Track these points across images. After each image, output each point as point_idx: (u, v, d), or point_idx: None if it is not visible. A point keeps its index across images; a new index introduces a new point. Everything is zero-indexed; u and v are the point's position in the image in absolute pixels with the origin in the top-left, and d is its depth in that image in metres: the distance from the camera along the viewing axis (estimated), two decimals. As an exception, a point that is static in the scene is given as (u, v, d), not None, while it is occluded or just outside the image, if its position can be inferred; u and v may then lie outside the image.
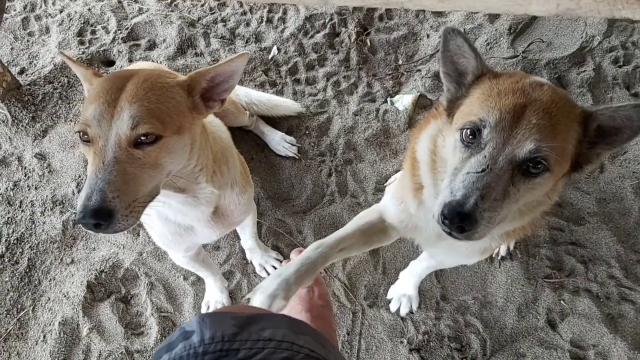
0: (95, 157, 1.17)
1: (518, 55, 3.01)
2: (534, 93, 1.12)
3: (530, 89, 1.13)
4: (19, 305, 2.39)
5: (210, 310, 2.29)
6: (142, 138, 1.18)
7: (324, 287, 1.57)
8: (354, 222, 1.69)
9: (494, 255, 2.47)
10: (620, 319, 2.33)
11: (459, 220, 1.03)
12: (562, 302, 2.37)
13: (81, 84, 2.90)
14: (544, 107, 1.09)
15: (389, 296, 2.40)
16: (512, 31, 3.09)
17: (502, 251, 2.46)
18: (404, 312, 2.35)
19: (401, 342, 2.31)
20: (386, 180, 2.67)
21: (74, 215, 2.57)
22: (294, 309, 1.52)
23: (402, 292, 2.35)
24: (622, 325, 2.31)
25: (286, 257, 2.50)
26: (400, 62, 3.09)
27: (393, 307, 2.37)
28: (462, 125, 1.15)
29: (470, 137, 1.12)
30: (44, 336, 2.32)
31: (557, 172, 1.12)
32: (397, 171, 2.68)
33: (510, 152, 1.07)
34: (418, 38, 3.14)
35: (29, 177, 2.70)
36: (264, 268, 2.44)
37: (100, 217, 1.11)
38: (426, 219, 1.48)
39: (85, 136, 1.21)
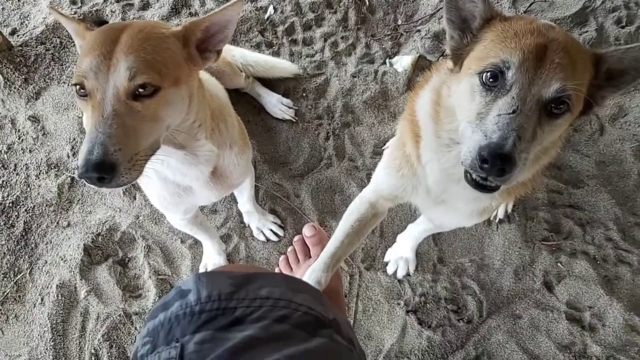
0: (93, 110, 1.15)
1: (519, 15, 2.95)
2: (550, 33, 1.10)
3: (545, 29, 1.12)
4: (16, 269, 2.39)
5: (208, 273, 2.30)
6: (140, 90, 1.16)
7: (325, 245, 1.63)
8: (342, 228, 1.71)
9: (491, 218, 2.47)
10: (616, 281, 2.35)
11: (501, 162, 1.00)
12: (559, 264, 2.38)
13: (74, 45, 2.85)
14: (562, 46, 1.07)
15: (386, 259, 2.41)
16: (513, -10, 3.03)
17: (500, 214, 2.46)
18: (401, 274, 2.36)
19: (398, 304, 2.32)
20: (384, 144, 2.64)
21: (69, 178, 2.55)
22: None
23: (400, 255, 2.35)
24: (619, 287, 2.33)
25: (283, 220, 2.50)
26: (399, 22, 3.03)
27: (390, 270, 2.38)
28: (481, 68, 1.12)
29: (491, 80, 1.10)
30: (42, 299, 2.32)
31: (575, 113, 1.12)
32: (395, 134, 2.65)
33: (537, 92, 1.05)
34: (417, -3, 3.08)
35: (23, 140, 2.67)
36: (262, 231, 2.44)
37: (103, 170, 1.09)
38: (425, 177, 1.47)
39: (82, 90, 1.19)
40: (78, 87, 1.19)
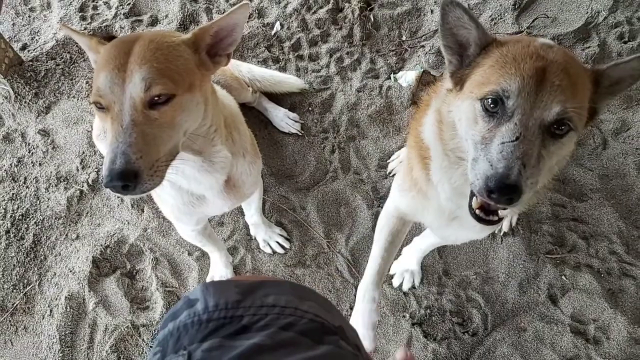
0: (113, 122, 1.19)
1: (523, 31, 2.99)
2: (549, 55, 1.12)
3: (543, 51, 1.13)
4: (25, 280, 2.42)
5: (215, 285, 2.31)
6: (156, 98, 1.20)
7: None
8: (379, 244, 1.80)
9: (496, 232, 2.49)
10: (620, 294, 2.35)
11: (508, 192, 1.03)
12: (563, 277, 2.39)
13: (84, 60, 2.90)
14: (561, 67, 1.10)
15: (391, 271, 2.42)
16: (516, 6, 3.06)
17: (505, 227, 2.47)
18: (406, 287, 2.37)
19: (403, 316, 2.33)
20: (389, 157, 2.67)
21: (78, 191, 2.58)
22: None
23: (405, 268, 2.37)
24: (623, 301, 2.34)
25: (289, 233, 2.52)
26: (403, 38, 3.07)
27: (396, 282, 2.39)
28: (483, 95, 1.14)
29: (492, 105, 1.12)
30: (51, 310, 2.35)
31: (579, 130, 1.14)
32: (399, 148, 2.68)
33: (539, 116, 1.08)
34: (422, 13, 3.12)
35: (33, 153, 2.70)
36: (268, 244, 2.46)
37: (127, 178, 1.14)
38: (438, 197, 1.49)
39: (99, 104, 1.23)
40: (96, 102, 1.23)
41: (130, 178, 1.14)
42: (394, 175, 2.58)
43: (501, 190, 1.03)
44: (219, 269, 2.36)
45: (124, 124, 1.17)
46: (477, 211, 1.18)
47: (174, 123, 1.25)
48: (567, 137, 1.12)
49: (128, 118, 1.17)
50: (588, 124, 1.20)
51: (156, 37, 1.28)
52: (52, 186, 2.62)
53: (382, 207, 1.91)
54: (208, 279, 2.39)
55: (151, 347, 2.09)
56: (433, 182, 1.45)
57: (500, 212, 1.18)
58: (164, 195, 1.67)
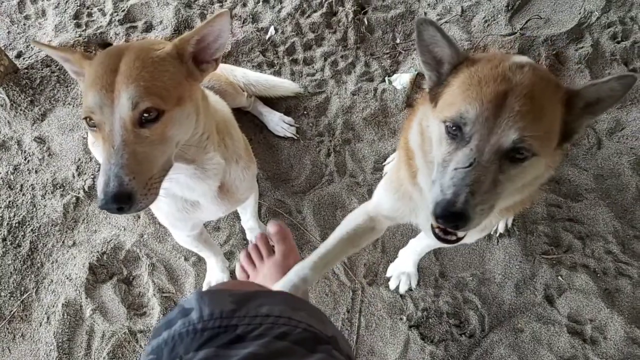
0: (104, 142, 1.20)
1: (516, 32, 3.00)
2: (515, 77, 1.10)
3: (511, 72, 1.11)
4: (22, 288, 2.42)
5: (212, 290, 2.31)
6: (145, 115, 1.20)
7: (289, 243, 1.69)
8: (338, 234, 1.73)
9: (492, 233, 2.49)
10: (617, 293, 2.36)
11: (452, 219, 1.04)
12: (559, 277, 2.39)
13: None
14: (525, 91, 1.07)
15: (388, 274, 2.43)
16: (509, 8, 3.07)
17: (500, 228, 2.48)
18: (403, 289, 2.37)
19: (400, 319, 2.33)
20: (384, 160, 2.67)
21: (74, 198, 2.59)
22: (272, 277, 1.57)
23: (401, 270, 2.37)
24: (619, 300, 2.34)
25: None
26: (397, 40, 3.08)
27: (392, 285, 2.40)
28: (444, 118, 1.14)
29: (454, 128, 1.12)
30: (48, 317, 2.35)
31: (545, 154, 1.12)
32: (395, 150, 2.68)
33: (496, 143, 1.06)
34: (415, 16, 3.12)
35: (29, 160, 2.71)
36: (264, 248, 2.46)
37: (121, 200, 1.15)
38: (424, 201, 1.50)
39: (92, 121, 1.23)
40: (88, 119, 1.23)
41: (125, 200, 1.15)
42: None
43: (446, 217, 1.04)
44: (216, 274, 2.36)
45: (115, 144, 1.17)
46: (437, 230, 1.20)
47: (165, 138, 1.25)
48: (529, 162, 1.10)
49: (119, 139, 1.17)
50: (564, 143, 1.19)
51: (141, 52, 1.27)
52: (49, 193, 2.62)
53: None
54: (205, 284, 2.39)
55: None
56: (419, 184, 1.46)
57: (459, 233, 1.19)
58: (158, 202, 1.68)
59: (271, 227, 1.71)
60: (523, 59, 1.19)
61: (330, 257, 1.65)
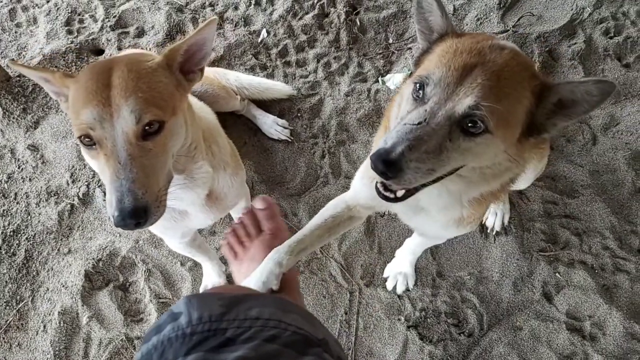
0: (107, 159, 1.18)
1: (508, 30, 3.00)
2: (490, 55, 1.11)
3: (488, 50, 1.12)
4: (18, 297, 2.40)
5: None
6: (147, 128, 1.19)
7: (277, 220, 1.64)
8: (316, 220, 1.71)
9: (488, 231, 2.49)
10: (615, 289, 2.35)
11: (383, 166, 1.04)
12: (557, 274, 2.39)
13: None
14: (494, 69, 1.08)
15: (385, 275, 2.42)
16: (501, 5, 3.07)
17: (497, 226, 2.47)
18: (400, 289, 2.37)
19: (398, 319, 2.33)
20: (379, 160, 2.66)
21: (69, 205, 2.57)
22: (260, 257, 1.53)
23: (398, 270, 2.36)
24: (617, 296, 2.34)
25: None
26: (390, 40, 3.07)
27: (389, 286, 2.39)
28: (414, 78, 1.15)
29: (420, 91, 1.13)
30: (44, 326, 2.33)
31: (500, 135, 1.10)
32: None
33: (451, 109, 1.07)
34: (408, 16, 3.12)
35: (22, 169, 2.70)
36: (260, 251, 2.45)
37: (138, 215, 1.15)
38: None
39: (87, 139, 1.20)
40: (83, 137, 1.20)
41: (141, 214, 1.16)
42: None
43: (377, 163, 1.04)
44: (212, 279, 2.35)
45: (121, 160, 1.16)
46: (379, 184, 1.20)
47: (166, 149, 1.25)
48: (482, 138, 1.09)
49: (124, 153, 1.16)
50: (529, 137, 1.17)
51: (133, 64, 1.25)
52: (43, 201, 2.61)
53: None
54: (201, 289, 2.38)
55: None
56: None
57: (397, 193, 1.18)
58: None
59: (258, 203, 1.62)
60: (508, 44, 1.18)
61: (307, 242, 1.63)
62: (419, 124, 1.07)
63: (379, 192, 1.20)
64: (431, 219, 1.53)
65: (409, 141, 1.04)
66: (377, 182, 1.21)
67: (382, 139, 1.09)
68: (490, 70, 1.08)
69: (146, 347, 0.79)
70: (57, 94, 1.37)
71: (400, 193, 1.18)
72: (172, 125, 1.26)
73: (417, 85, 1.13)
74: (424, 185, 1.15)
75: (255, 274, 1.48)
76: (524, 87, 1.11)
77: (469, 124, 1.07)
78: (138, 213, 1.15)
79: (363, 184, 1.64)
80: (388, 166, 1.03)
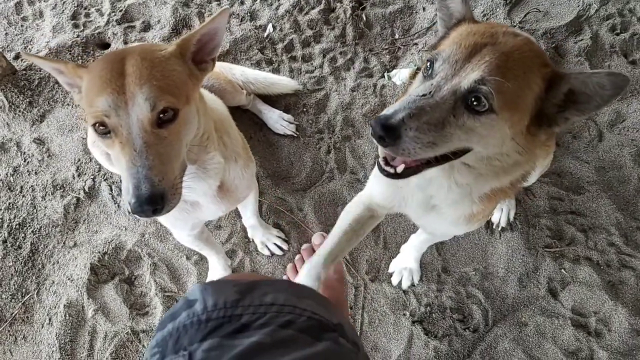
0: (123, 147, 1.18)
1: (515, 26, 2.99)
2: (502, 38, 1.11)
3: (501, 35, 1.12)
4: (24, 290, 2.41)
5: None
6: (161, 116, 1.19)
7: (340, 264, 1.61)
8: (340, 226, 1.71)
9: (494, 227, 2.49)
10: (620, 285, 2.35)
11: (381, 130, 1.04)
12: (562, 270, 2.39)
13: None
14: (504, 50, 1.08)
15: (390, 270, 2.42)
16: (508, 1, 3.07)
17: (503, 222, 2.47)
18: (405, 285, 2.37)
19: (404, 314, 2.33)
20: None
21: (75, 198, 2.58)
22: None
23: (404, 266, 2.36)
24: (623, 292, 2.33)
25: (287, 234, 2.51)
26: (396, 36, 3.07)
27: (395, 281, 2.39)
28: (427, 57, 1.17)
29: (429, 65, 1.15)
30: (50, 319, 2.34)
31: (506, 118, 1.09)
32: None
33: (457, 84, 1.07)
34: (414, 11, 3.12)
35: (28, 162, 2.70)
36: (266, 246, 2.46)
37: (156, 202, 1.16)
38: (410, 187, 1.49)
39: (102, 128, 1.21)
40: (97, 125, 1.21)
41: (159, 201, 1.16)
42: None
43: (375, 126, 1.04)
44: (218, 273, 2.35)
45: (137, 147, 1.16)
46: (380, 160, 1.19)
47: (180, 137, 1.25)
48: (486, 118, 1.08)
49: (140, 141, 1.17)
50: (538, 127, 1.16)
51: (147, 53, 1.26)
52: (49, 194, 2.61)
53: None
54: (207, 283, 2.38)
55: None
56: None
57: (398, 168, 1.17)
58: None
59: (316, 239, 1.68)
60: (523, 33, 1.19)
61: (337, 250, 1.63)
62: (423, 95, 1.07)
63: (379, 167, 1.19)
64: (442, 216, 1.53)
65: (410, 109, 1.05)
66: (379, 159, 1.21)
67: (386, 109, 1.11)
68: (500, 50, 1.08)
69: (161, 334, 0.79)
70: (71, 85, 1.37)
71: (400, 168, 1.17)
72: (186, 114, 1.26)
73: (429, 63, 1.15)
74: (428, 166, 1.15)
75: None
76: (534, 73, 1.11)
77: (474, 101, 1.07)
78: (155, 200, 1.15)
79: (378, 185, 1.64)
80: (386, 131, 1.04)
